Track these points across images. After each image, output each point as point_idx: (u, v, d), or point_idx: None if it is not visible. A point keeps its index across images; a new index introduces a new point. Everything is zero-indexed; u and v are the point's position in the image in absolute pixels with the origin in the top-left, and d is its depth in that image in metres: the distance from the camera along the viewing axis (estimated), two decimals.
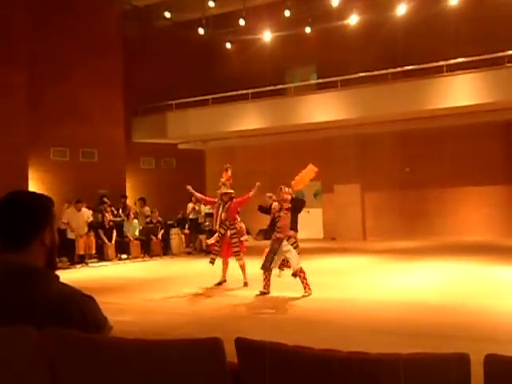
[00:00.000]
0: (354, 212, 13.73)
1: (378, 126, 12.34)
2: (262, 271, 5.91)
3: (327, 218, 14.29)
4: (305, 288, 5.81)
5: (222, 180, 6.79)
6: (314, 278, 6.11)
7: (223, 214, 6.59)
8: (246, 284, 6.57)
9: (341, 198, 13.91)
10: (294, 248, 5.83)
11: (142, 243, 10.96)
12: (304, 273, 5.81)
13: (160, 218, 11.47)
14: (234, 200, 6.72)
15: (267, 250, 5.91)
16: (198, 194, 7.38)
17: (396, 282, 6.52)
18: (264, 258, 5.90)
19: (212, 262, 6.56)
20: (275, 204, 6.05)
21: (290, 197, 5.92)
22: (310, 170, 6.30)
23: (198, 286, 6.78)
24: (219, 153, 15.79)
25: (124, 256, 10.64)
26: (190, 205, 12.27)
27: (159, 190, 14.14)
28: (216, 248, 6.62)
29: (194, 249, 12.20)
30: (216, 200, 6.80)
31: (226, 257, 6.61)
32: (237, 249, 6.50)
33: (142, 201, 12.25)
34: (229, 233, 6.59)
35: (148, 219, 11.40)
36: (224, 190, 6.69)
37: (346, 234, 13.67)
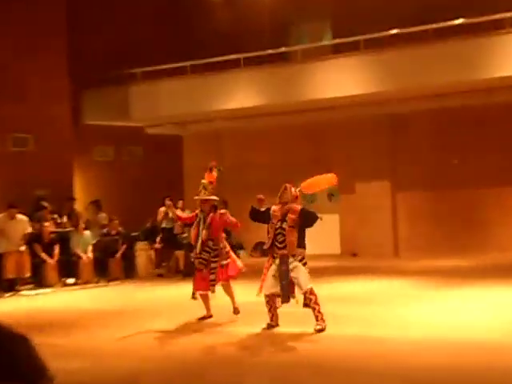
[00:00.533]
0: (383, 219, 13.79)
1: (415, 102, 12.37)
2: (265, 300, 5.94)
3: (346, 228, 14.37)
4: (317, 318, 5.83)
5: (204, 182, 6.62)
6: (329, 308, 6.10)
7: (204, 233, 6.47)
8: (236, 310, 6.55)
9: (364, 200, 13.97)
10: (304, 265, 5.86)
11: (96, 263, 10.91)
12: (316, 296, 5.81)
13: (121, 229, 11.43)
14: (219, 211, 6.61)
15: (271, 273, 5.89)
16: (178, 212, 7.25)
17: (439, 315, 6.52)
18: (267, 283, 5.90)
19: (194, 296, 6.63)
20: (275, 208, 5.99)
21: (298, 207, 5.89)
22: (331, 178, 6.36)
23: (173, 320, 6.79)
24: (201, 140, 15.82)
25: (70, 280, 10.58)
26: (163, 209, 12.26)
27: (120, 189, 14.16)
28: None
29: (168, 270, 12.21)
30: (197, 212, 6.69)
31: (203, 289, 6.51)
32: (212, 276, 6.41)
33: (96, 205, 12.21)
34: (210, 256, 6.48)
35: (104, 230, 11.38)
36: (204, 196, 6.55)
37: (372, 248, 13.71)
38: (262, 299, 6.03)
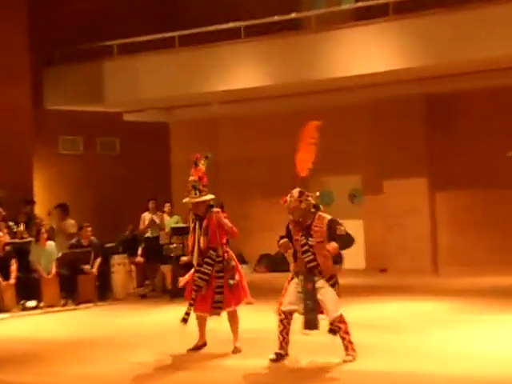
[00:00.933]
0: (418, 226, 13.76)
1: (458, 79, 12.36)
2: (279, 318, 5.94)
3: (372, 236, 14.36)
4: (347, 348, 5.88)
5: (192, 180, 6.55)
6: (354, 336, 6.10)
7: (201, 240, 6.46)
8: (236, 350, 6.48)
9: (395, 201, 13.95)
10: (332, 286, 5.88)
11: (63, 281, 10.93)
12: (346, 325, 5.86)
13: (94, 238, 11.45)
14: (215, 213, 6.54)
15: (293, 288, 5.90)
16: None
17: (485, 347, 6.51)
18: (287, 298, 5.89)
19: (185, 320, 6.44)
20: (291, 220, 6.01)
21: (325, 216, 5.87)
22: (309, 131, 6.38)
23: (159, 352, 6.80)
24: (192, 128, 15.87)
25: (31, 303, 10.59)
26: (147, 215, 12.32)
27: (92, 190, 14.21)
28: (193, 295, 6.46)
29: (153, 289, 12.22)
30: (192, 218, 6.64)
31: (203, 310, 6.47)
32: (219, 297, 6.36)
33: (62, 209, 12.27)
34: (213, 270, 6.41)
35: (73, 240, 11.39)
36: (195, 197, 6.48)
37: (405, 262, 13.69)
38: (269, 325, 6.05)
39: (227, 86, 12.54)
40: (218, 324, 6.76)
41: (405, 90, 12.97)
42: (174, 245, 11.25)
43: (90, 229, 11.29)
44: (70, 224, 12.00)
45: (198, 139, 15.78)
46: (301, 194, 5.93)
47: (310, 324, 5.82)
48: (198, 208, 6.50)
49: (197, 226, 6.50)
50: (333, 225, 5.83)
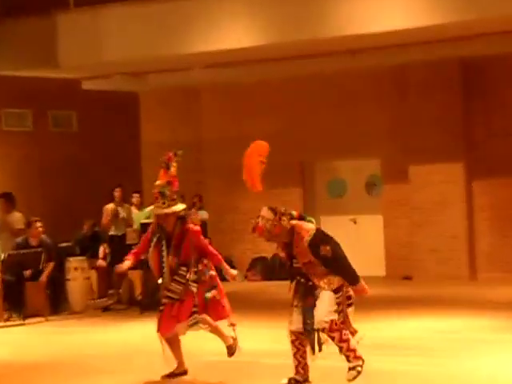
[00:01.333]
0: (451, 222, 13.76)
1: (505, 39, 12.32)
2: (289, 339, 6.04)
3: (395, 236, 14.37)
4: (348, 358, 5.95)
5: (158, 185, 6.62)
6: (371, 360, 6.08)
7: (171, 259, 6.54)
8: (231, 348, 6.54)
9: (423, 192, 13.94)
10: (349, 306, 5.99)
11: (7, 290, 10.88)
12: (340, 332, 5.90)
13: (45, 237, 11.43)
14: (192, 233, 6.59)
15: (294, 304, 6.01)
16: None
17: None
18: (292, 317, 6.01)
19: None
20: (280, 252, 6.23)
21: (305, 236, 5.95)
22: (258, 147, 6.52)
23: (125, 378, 6.82)
24: (168, 100, 15.83)
25: None
26: (110, 207, 12.28)
27: (44, 176, 14.20)
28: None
29: (118, 300, 12.16)
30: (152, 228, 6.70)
31: (170, 330, 6.53)
32: (194, 309, 6.47)
33: (7, 200, 12.20)
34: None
35: (19, 239, 11.36)
36: (162, 208, 6.52)
37: (434, 268, 13.71)
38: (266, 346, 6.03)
39: (212, 47, 12.44)
40: (199, 344, 6.75)
41: (436, 53, 12.92)
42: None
43: (40, 225, 11.25)
44: (17, 218, 11.93)
45: (174, 113, 15.74)
46: (274, 211, 6.04)
47: (314, 347, 5.94)
48: (166, 221, 6.55)
49: (162, 241, 6.55)
50: (315, 244, 5.91)
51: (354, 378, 5.87)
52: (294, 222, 6.02)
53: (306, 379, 6.11)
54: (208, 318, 6.54)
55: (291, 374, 6.10)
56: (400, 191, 14.22)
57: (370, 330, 6.72)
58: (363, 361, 5.90)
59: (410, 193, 14.07)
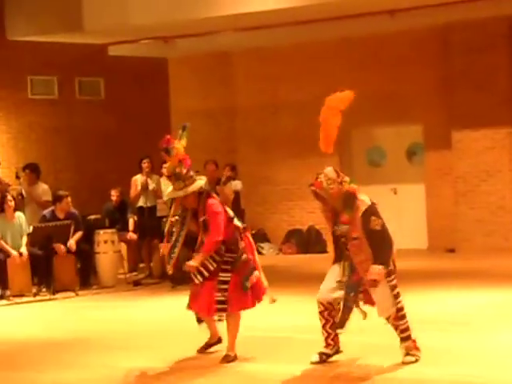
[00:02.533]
0: (498, 192, 13.69)
1: None
2: (318, 310, 6.05)
3: (437, 206, 14.29)
4: (405, 345, 5.98)
5: (170, 166, 6.53)
6: (413, 334, 6.10)
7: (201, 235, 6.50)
8: (227, 359, 6.44)
9: (468, 160, 13.85)
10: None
11: (35, 264, 11.02)
12: (403, 320, 5.95)
13: (74, 209, 11.51)
14: (209, 203, 6.48)
15: (333, 275, 6.00)
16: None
17: None
18: (324, 286, 6.01)
19: (200, 320, 6.69)
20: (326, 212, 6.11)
21: (361, 205, 5.87)
22: (343, 98, 6.26)
23: (157, 354, 6.85)
24: (198, 65, 15.78)
25: None
26: (139, 178, 12.32)
27: (70, 146, 14.22)
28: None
29: (149, 274, 12.29)
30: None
31: (205, 312, 6.55)
32: (221, 297, 6.42)
33: (33, 171, 12.32)
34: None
35: (46, 212, 11.42)
36: (180, 190, 6.44)
37: (479, 240, 13.66)
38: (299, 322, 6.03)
39: (241, 9, 12.40)
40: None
41: (482, 12, 12.73)
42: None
43: (69, 200, 11.32)
44: (42, 189, 12.05)
45: (205, 80, 15.69)
46: (337, 173, 6.00)
47: (340, 323, 5.96)
48: (188, 201, 6.53)
49: (185, 222, 6.56)
50: (367, 216, 5.85)
51: (408, 362, 5.93)
52: (352, 188, 5.94)
53: (337, 350, 6.13)
54: (234, 319, 6.49)
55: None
56: (443, 159, 14.13)
57: (412, 304, 6.70)
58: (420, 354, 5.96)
59: (453, 161, 13.97)
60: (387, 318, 5.97)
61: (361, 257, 5.88)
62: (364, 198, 5.93)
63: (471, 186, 13.78)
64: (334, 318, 6.03)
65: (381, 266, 5.81)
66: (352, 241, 5.89)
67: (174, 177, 6.49)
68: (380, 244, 5.86)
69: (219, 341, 6.76)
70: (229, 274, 6.41)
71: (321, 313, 6.05)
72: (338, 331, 6.02)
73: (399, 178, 14.75)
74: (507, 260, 12.38)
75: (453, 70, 13.85)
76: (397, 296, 5.96)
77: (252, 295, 6.46)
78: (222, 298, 6.38)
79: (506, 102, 13.61)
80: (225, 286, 6.39)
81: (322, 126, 6.18)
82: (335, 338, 6.10)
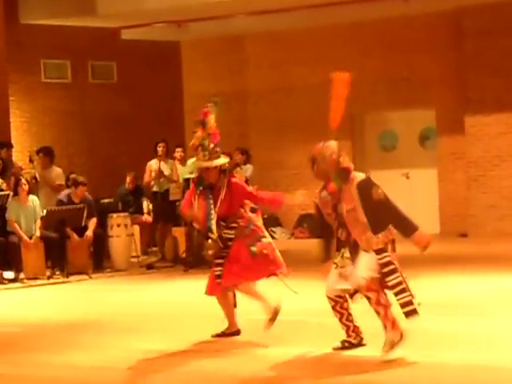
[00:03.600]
0: (510, 175, 13.70)
1: None
2: (330, 305, 6.01)
3: (450, 191, 14.30)
4: (385, 327, 5.83)
5: (198, 136, 6.50)
6: (423, 321, 6.04)
7: (217, 209, 6.51)
8: (273, 317, 6.52)
9: (481, 145, 13.85)
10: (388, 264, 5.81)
11: (49, 247, 11.11)
12: (378, 293, 5.81)
13: (88, 194, 11.57)
14: (234, 181, 6.58)
15: (336, 266, 5.95)
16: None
17: None
18: (330, 281, 5.98)
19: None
20: (324, 194, 6.01)
21: (357, 176, 5.83)
22: (340, 82, 6.27)
23: (170, 337, 6.91)
24: (211, 49, 15.79)
25: (9, 275, 10.81)
26: (154, 163, 12.36)
27: (84, 130, 14.32)
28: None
29: (161, 258, 12.42)
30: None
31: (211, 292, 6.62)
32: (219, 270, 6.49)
33: (47, 154, 12.38)
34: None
35: (62, 196, 11.47)
36: (205, 161, 6.46)
37: (492, 224, 13.68)
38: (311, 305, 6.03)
39: None
40: (245, 303, 6.81)
41: None
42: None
43: (84, 189, 11.36)
44: (56, 173, 12.11)
45: (217, 63, 15.68)
46: (337, 147, 5.94)
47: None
48: (208, 174, 6.52)
49: (208, 194, 6.52)
50: (366, 186, 5.78)
51: (388, 351, 5.74)
52: (349, 164, 5.89)
53: (360, 341, 6.07)
54: (248, 288, 6.53)
55: (340, 333, 6.11)
56: (456, 144, 14.11)
57: (422, 288, 6.71)
58: (402, 335, 5.76)
59: (466, 145, 13.95)
60: (359, 289, 5.79)
61: (358, 229, 5.78)
62: (358, 174, 5.86)
63: (483, 171, 13.77)
64: (347, 309, 5.99)
65: (417, 232, 5.68)
66: (347, 213, 5.78)
67: (201, 148, 6.49)
68: (394, 212, 5.75)
69: (237, 333, 6.72)
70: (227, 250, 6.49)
71: (333, 308, 6.01)
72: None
73: (412, 162, 14.74)
74: None
75: (466, 54, 13.82)
76: (391, 273, 5.75)
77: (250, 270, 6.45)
78: (219, 272, 6.48)
79: None
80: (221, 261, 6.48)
81: (332, 99, 6.16)
82: (356, 330, 6.05)
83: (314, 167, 6.00)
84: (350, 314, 6.02)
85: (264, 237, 6.55)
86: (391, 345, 5.74)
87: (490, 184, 13.75)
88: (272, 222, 14.85)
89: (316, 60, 14.82)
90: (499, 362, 5.69)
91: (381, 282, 5.80)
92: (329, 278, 6.00)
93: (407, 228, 5.75)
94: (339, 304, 6.00)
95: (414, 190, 14.34)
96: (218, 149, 6.54)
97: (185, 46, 15.88)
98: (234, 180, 6.60)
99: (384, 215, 5.76)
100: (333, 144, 5.96)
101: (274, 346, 6.41)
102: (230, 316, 6.73)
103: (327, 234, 6.09)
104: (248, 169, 13.09)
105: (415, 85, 14.28)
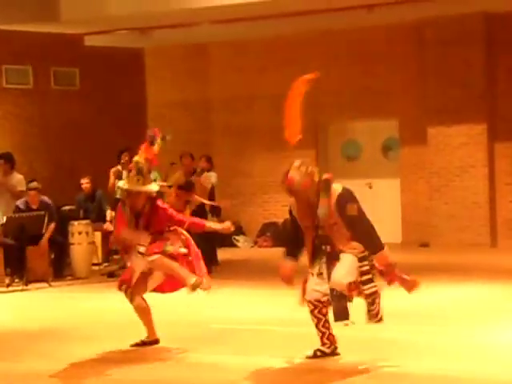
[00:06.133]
0: (472, 188, 13.75)
1: None
2: (309, 309, 6.02)
3: (412, 201, 14.39)
4: (321, 339, 5.94)
5: (137, 160, 6.65)
6: (386, 330, 6.20)
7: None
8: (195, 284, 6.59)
9: (443, 155, 13.92)
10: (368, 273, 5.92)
11: (8, 254, 11.04)
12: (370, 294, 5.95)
13: (46, 198, 11.52)
14: (159, 204, 6.67)
15: (315, 271, 5.98)
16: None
17: None
18: (310, 284, 5.99)
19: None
20: (293, 202, 6.05)
21: (335, 189, 5.89)
22: (299, 86, 6.30)
23: (131, 345, 6.93)
24: (175, 56, 15.78)
25: None
26: (116, 170, 12.25)
27: (45, 137, 14.20)
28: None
29: (123, 266, 12.26)
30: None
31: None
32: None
33: (7, 161, 12.24)
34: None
35: (20, 202, 11.43)
36: (136, 185, 6.55)
37: (453, 234, 13.73)
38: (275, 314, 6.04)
39: (219, 1, 12.41)
40: (211, 312, 6.79)
41: (459, 7, 12.82)
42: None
43: (34, 193, 11.24)
44: (17, 180, 11.98)
45: (181, 71, 15.66)
46: (306, 165, 5.92)
47: (340, 314, 5.87)
48: (137, 199, 6.58)
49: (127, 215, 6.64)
50: (343, 201, 5.83)
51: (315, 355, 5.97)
52: (325, 176, 5.91)
53: (334, 351, 6.06)
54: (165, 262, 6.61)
55: (308, 342, 6.13)
56: (418, 154, 14.20)
57: (383, 298, 6.75)
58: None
59: (428, 156, 14.05)
60: (337, 288, 5.83)
61: (343, 240, 5.86)
62: (336, 187, 5.89)
63: (445, 182, 13.86)
64: (325, 315, 5.98)
65: (383, 250, 5.84)
66: (331, 226, 5.84)
67: (137, 170, 6.58)
68: (363, 230, 5.85)
69: (156, 342, 6.79)
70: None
71: (311, 312, 6.00)
72: (344, 323, 5.89)
73: (375, 172, 14.84)
74: (480, 255, 12.50)
75: (427, 65, 13.93)
76: (368, 282, 5.90)
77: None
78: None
79: (481, 97, 13.70)
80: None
81: (286, 112, 6.17)
82: (330, 337, 6.04)
83: (293, 195, 5.95)
84: (326, 321, 6.00)
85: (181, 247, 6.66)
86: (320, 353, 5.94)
87: (451, 194, 13.84)
88: (235, 230, 14.80)
89: (279, 69, 14.85)
90: (460, 372, 5.73)
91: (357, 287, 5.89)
92: (308, 283, 5.99)
93: (370, 246, 5.87)
94: (318, 309, 5.99)
95: (376, 200, 14.40)
96: (151, 176, 6.73)
97: (148, 53, 15.84)
98: (158, 203, 6.65)
99: (353, 231, 5.84)
100: (298, 164, 5.92)
101: (236, 355, 6.40)
102: (149, 325, 6.78)
103: (294, 243, 6.14)
104: (212, 176, 13.08)
105: (378, 95, 14.37)
